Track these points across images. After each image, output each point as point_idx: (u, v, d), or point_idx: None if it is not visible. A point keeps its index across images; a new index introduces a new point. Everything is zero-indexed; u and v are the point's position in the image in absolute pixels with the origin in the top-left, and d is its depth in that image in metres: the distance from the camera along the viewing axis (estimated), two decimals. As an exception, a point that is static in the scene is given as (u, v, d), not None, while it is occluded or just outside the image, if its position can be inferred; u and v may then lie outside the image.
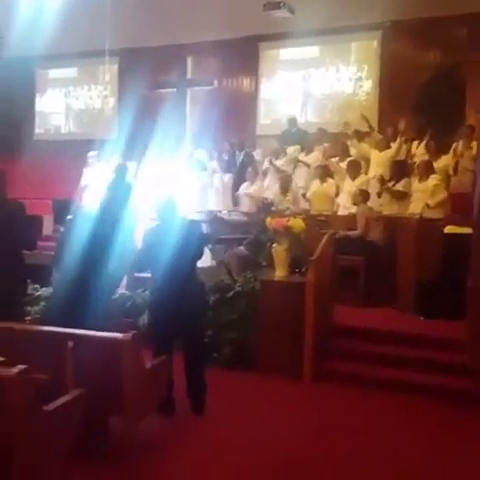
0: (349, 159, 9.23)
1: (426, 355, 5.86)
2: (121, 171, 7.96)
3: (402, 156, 9.25)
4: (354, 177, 8.77)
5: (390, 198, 8.52)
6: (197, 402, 4.91)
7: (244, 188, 9.85)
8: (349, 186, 8.72)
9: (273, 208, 8.76)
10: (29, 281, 6.76)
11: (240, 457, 4.22)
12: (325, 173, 9.13)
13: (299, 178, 9.71)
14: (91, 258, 4.54)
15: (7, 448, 3.00)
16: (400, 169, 8.65)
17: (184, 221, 5.09)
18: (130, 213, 7.10)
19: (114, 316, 4.97)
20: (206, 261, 6.75)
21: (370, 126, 10.24)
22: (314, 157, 9.91)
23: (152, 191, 8.34)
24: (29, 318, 6.44)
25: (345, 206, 8.61)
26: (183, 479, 3.96)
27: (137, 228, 5.89)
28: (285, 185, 9.26)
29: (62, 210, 9.89)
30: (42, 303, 6.84)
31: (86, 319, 4.26)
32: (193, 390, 4.92)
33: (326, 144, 9.94)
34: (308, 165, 9.77)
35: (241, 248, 7.59)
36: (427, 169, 8.23)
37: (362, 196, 8.08)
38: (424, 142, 9.09)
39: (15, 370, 3.03)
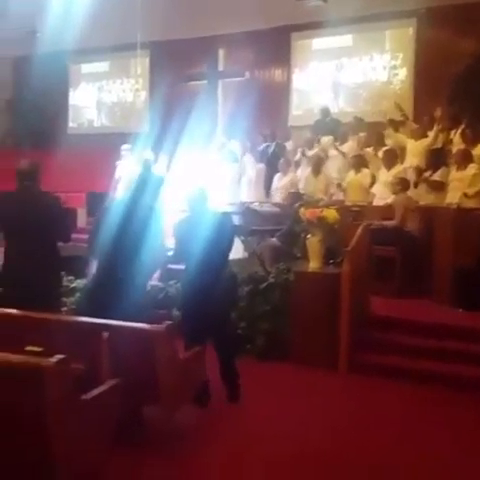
0: (385, 148, 9.08)
1: (464, 347, 5.75)
2: (147, 165, 7.99)
3: (439, 145, 9.07)
4: (390, 167, 8.62)
5: (427, 188, 8.37)
6: (233, 390, 4.94)
7: (277, 179, 9.78)
8: (385, 176, 8.58)
9: (304, 198, 8.71)
10: (64, 273, 6.84)
11: (273, 447, 4.21)
12: (360, 163, 8.99)
13: (333, 168, 9.60)
14: (124, 249, 4.54)
15: (46, 437, 3.03)
16: (437, 158, 8.48)
17: (216, 213, 5.08)
18: (161, 205, 7.16)
19: (147, 308, 4.96)
20: (238, 252, 6.74)
21: (404, 115, 10.07)
22: (349, 147, 9.78)
23: (184, 183, 8.35)
24: (65, 309, 6.53)
25: (380, 196, 8.48)
26: (218, 467, 3.96)
27: (167, 220, 5.91)
28: (317, 167, 9.20)
29: (96, 203, 9.99)
30: (77, 294, 6.90)
31: (119, 310, 4.28)
32: (227, 379, 4.96)
33: (362, 134, 9.79)
34: (343, 154, 9.65)
35: (273, 239, 7.55)
36: (465, 158, 8.05)
37: (402, 185, 7.92)
38: (459, 131, 8.89)
39: (54, 360, 3.05)
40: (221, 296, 4.87)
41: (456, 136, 9.01)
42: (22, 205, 4.91)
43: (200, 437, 4.37)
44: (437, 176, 8.31)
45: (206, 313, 4.74)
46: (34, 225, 4.83)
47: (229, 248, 5.03)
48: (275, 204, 9.02)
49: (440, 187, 8.27)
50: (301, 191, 9.14)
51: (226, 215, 5.37)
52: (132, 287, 4.57)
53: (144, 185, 7.32)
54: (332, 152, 9.87)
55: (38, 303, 4.42)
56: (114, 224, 4.63)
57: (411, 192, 8.36)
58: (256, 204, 8.75)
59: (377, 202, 8.52)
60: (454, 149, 8.58)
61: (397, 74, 11.63)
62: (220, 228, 4.91)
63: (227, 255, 5.04)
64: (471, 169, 7.96)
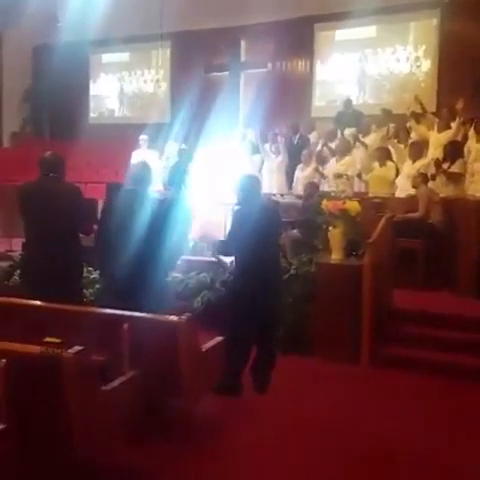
0: (411, 141, 8.96)
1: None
2: (184, 155, 7.99)
3: (460, 137, 8.92)
4: (415, 159, 8.50)
5: (445, 180, 8.26)
6: (263, 381, 4.91)
7: (299, 171, 9.71)
8: (409, 168, 8.46)
9: (321, 190, 8.66)
10: (84, 264, 6.83)
11: (295, 438, 4.20)
12: (385, 156, 8.87)
13: (356, 159, 9.49)
14: (148, 241, 4.51)
15: (68, 427, 3.01)
16: (455, 150, 8.35)
17: (268, 203, 5.07)
18: (187, 196, 7.17)
19: (170, 299, 4.95)
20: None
21: (423, 108, 9.89)
22: (372, 139, 9.66)
23: (206, 174, 8.32)
24: (85, 300, 6.52)
25: (403, 188, 8.38)
26: (239, 458, 3.94)
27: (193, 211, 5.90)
28: (344, 150, 9.21)
29: (115, 193, 9.99)
30: (97, 286, 6.89)
31: (143, 301, 4.27)
32: (261, 369, 4.92)
33: (392, 125, 9.63)
34: (366, 146, 9.54)
35: (295, 231, 7.49)
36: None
37: (421, 178, 7.86)
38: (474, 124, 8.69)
39: (73, 351, 3.04)
40: (277, 284, 4.96)
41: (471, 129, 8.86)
42: (44, 195, 4.89)
43: (223, 428, 4.36)
44: (455, 168, 8.20)
45: (261, 301, 4.74)
46: (56, 216, 4.81)
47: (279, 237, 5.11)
48: (297, 196, 8.95)
49: (458, 179, 8.16)
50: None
51: (275, 204, 5.37)
52: (156, 277, 4.56)
53: (175, 175, 7.34)
54: (356, 144, 9.76)
55: (59, 294, 4.41)
56: (135, 215, 4.59)
57: (429, 185, 8.26)
58: (278, 196, 8.69)
59: (399, 194, 8.43)
60: (473, 142, 8.41)
61: (420, 66, 11.46)
62: (272, 217, 4.97)
63: (278, 244, 5.11)
64: (495, 161, 7.84)
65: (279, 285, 5.07)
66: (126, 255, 4.53)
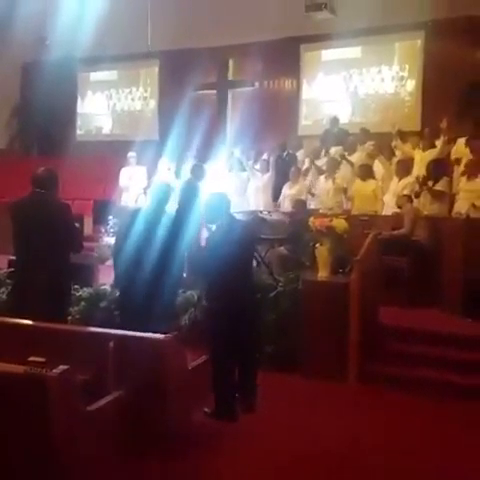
0: (398, 159, 9.05)
1: (475, 357, 5.69)
2: (198, 171, 8.00)
3: (445, 155, 9.02)
4: (401, 177, 8.58)
5: (430, 198, 8.33)
6: (251, 401, 4.88)
7: (286, 188, 9.74)
8: (395, 186, 8.54)
9: (309, 207, 8.70)
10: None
11: (282, 456, 4.19)
12: (367, 173, 8.95)
13: (342, 177, 9.55)
14: (156, 258, 4.52)
15: (51, 448, 2.97)
16: (438, 168, 8.44)
17: (242, 222, 5.07)
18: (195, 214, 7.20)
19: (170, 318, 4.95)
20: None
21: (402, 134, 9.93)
22: (357, 157, 9.75)
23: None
24: (70, 318, 6.48)
25: (390, 205, 8.44)
26: (226, 478, 3.92)
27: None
28: (333, 168, 9.31)
29: (101, 210, 9.99)
30: (83, 303, 6.86)
31: (151, 321, 4.25)
32: (247, 390, 4.89)
33: (369, 143, 9.74)
34: (352, 163, 9.62)
35: (282, 248, 7.50)
36: (476, 168, 8.00)
37: (406, 198, 7.95)
38: (472, 142, 8.79)
39: (57, 370, 3.01)
40: (252, 304, 4.92)
41: (461, 146, 8.95)
42: (34, 212, 4.86)
43: (209, 448, 4.32)
44: (439, 186, 8.28)
45: (239, 321, 4.70)
46: (45, 233, 4.78)
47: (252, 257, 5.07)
48: (284, 213, 8.98)
49: (442, 197, 8.24)
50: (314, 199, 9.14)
51: (249, 224, 5.36)
52: (164, 296, 4.56)
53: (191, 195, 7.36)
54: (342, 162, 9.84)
55: (46, 311, 4.38)
56: (147, 235, 4.60)
57: (414, 203, 8.34)
58: (265, 212, 8.71)
59: (387, 211, 8.48)
60: (465, 160, 8.50)
61: (405, 85, 11.59)
62: (246, 237, 4.94)
63: (252, 263, 5.10)
64: (482, 180, 7.91)
65: (254, 304, 5.01)
66: (142, 274, 4.55)
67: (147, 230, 4.64)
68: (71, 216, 5.05)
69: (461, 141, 9.08)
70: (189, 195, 7.41)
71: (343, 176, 9.46)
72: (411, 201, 8.01)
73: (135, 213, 4.93)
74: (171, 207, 5.34)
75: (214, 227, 5.02)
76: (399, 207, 7.98)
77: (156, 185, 5.38)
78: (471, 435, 4.70)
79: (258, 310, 5.12)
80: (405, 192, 8.31)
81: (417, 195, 8.54)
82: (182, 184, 8.11)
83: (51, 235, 4.79)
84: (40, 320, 4.18)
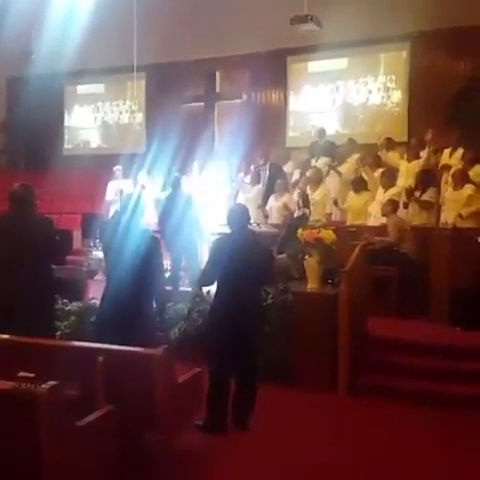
0: (383, 169, 9.10)
1: (464, 366, 5.73)
2: (176, 183, 8.01)
3: (431, 165, 9.09)
4: (387, 187, 8.64)
5: (418, 209, 8.40)
6: (243, 417, 4.83)
7: (273, 200, 9.77)
8: (381, 196, 8.59)
9: (296, 216, 8.72)
10: (57, 296, 6.76)
11: (272, 470, 4.16)
12: (362, 186, 9.00)
13: (331, 188, 9.59)
14: (140, 271, 4.48)
15: (40, 464, 2.95)
16: (426, 179, 8.51)
17: (256, 236, 5.00)
18: (192, 225, 7.19)
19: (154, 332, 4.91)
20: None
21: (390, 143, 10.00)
22: (345, 168, 9.80)
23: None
24: (59, 333, 6.44)
25: (376, 216, 8.49)
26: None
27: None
28: (317, 180, 9.30)
29: (90, 224, 9.97)
30: (72, 318, 6.82)
31: (136, 335, 4.23)
32: (242, 406, 4.84)
33: (356, 155, 9.80)
34: (340, 173, 9.67)
35: (283, 256, 7.46)
36: (462, 178, 8.07)
37: (391, 206, 7.99)
38: (461, 152, 8.86)
39: (47, 386, 2.99)
40: (253, 321, 4.80)
41: (452, 157, 9.02)
42: (12, 229, 4.84)
43: (200, 462, 4.31)
44: (426, 196, 8.35)
45: (237, 336, 4.65)
46: (24, 249, 4.76)
47: (264, 277, 4.94)
48: (273, 225, 9.00)
49: (429, 207, 8.31)
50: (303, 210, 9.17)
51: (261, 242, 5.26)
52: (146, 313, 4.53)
53: (173, 204, 7.36)
54: (329, 173, 9.88)
55: (30, 329, 4.34)
56: (121, 247, 4.56)
57: (402, 213, 8.41)
58: (254, 225, 8.73)
59: (373, 222, 8.53)
60: (452, 170, 8.58)
61: (391, 96, 11.68)
62: (257, 252, 4.81)
63: (262, 282, 5.00)
64: (467, 190, 7.99)
65: (258, 318, 4.95)
66: (116, 285, 4.52)
67: (121, 241, 4.59)
68: (52, 229, 5.02)
69: (447, 151, 9.17)
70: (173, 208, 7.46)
71: (329, 187, 9.49)
72: (396, 210, 8.06)
73: (110, 223, 4.92)
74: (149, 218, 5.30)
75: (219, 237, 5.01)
76: (384, 215, 8.03)
77: (127, 196, 5.31)
78: (461, 445, 4.71)
79: (259, 327, 5.01)
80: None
81: (405, 206, 8.60)
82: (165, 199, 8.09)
83: (32, 250, 4.77)
84: (26, 335, 4.15)
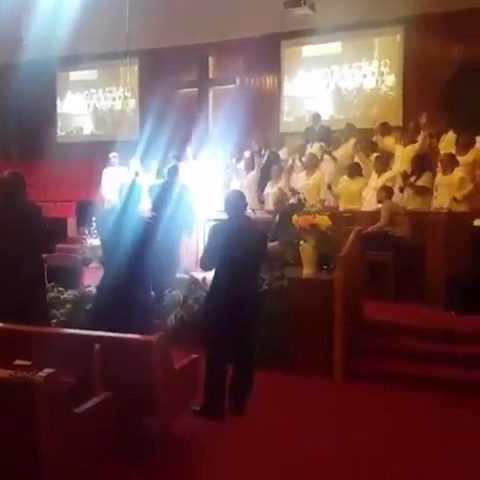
0: (376, 155, 9.08)
1: (459, 350, 5.75)
2: (173, 171, 7.99)
3: (426, 150, 9.08)
4: (381, 173, 8.63)
5: (413, 193, 8.40)
6: (241, 403, 4.85)
7: (269, 186, 9.74)
8: (374, 182, 8.59)
9: (291, 201, 8.70)
10: (52, 284, 6.77)
11: (269, 456, 4.18)
12: (357, 171, 8.97)
13: (326, 173, 9.56)
14: (137, 258, 4.49)
15: (38, 452, 2.96)
16: (421, 163, 8.50)
17: (252, 222, 5.01)
18: (187, 213, 7.19)
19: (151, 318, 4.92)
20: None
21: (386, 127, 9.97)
22: (340, 153, 9.77)
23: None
24: (55, 321, 6.44)
25: (370, 201, 8.49)
26: (218, 479, 3.91)
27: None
28: (312, 165, 9.31)
29: (85, 212, 9.96)
30: (68, 306, 6.82)
31: (130, 322, 4.23)
32: (239, 391, 4.85)
33: (353, 140, 9.76)
34: (335, 159, 9.64)
35: (276, 243, 7.46)
36: (451, 162, 8.07)
37: (386, 192, 8.00)
38: (454, 136, 8.85)
39: (44, 373, 2.99)
40: (251, 305, 4.81)
41: (444, 142, 9.01)
42: (2, 216, 4.83)
43: (198, 447, 4.32)
44: (421, 181, 8.35)
45: (234, 321, 4.65)
46: (15, 236, 4.75)
47: (261, 261, 4.94)
48: (268, 211, 8.99)
49: (425, 192, 8.31)
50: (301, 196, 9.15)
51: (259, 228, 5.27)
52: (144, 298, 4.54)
53: (169, 192, 7.37)
54: (323, 158, 9.85)
55: (22, 317, 4.34)
56: (118, 235, 4.57)
57: (398, 198, 8.41)
58: (249, 211, 8.72)
59: (367, 207, 8.53)
60: (441, 155, 8.58)
61: (385, 81, 11.64)
62: (256, 237, 4.85)
63: (259, 265, 4.99)
64: (458, 173, 7.98)
65: (255, 304, 4.94)
66: (114, 273, 4.53)
67: (118, 230, 4.60)
68: (41, 217, 5.00)
69: (444, 136, 9.15)
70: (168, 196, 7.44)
71: (325, 172, 9.47)
72: (391, 196, 8.06)
73: (108, 213, 4.92)
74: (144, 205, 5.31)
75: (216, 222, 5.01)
76: (379, 202, 8.03)
77: (126, 184, 5.31)
78: (458, 429, 4.74)
79: (256, 314, 4.98)
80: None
81: (401, 190, 8.60)
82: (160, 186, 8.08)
83: (21, 237, 4.76)
84: (18, 322, 4.15)
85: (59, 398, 3.11)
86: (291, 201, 8.54)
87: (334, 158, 9.68)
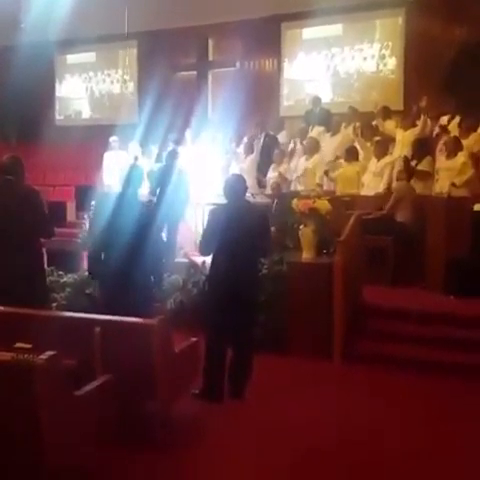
0: (376, 139, 9.02)
1: (458, 334, 5.78)
2: (172, 156, 7.97)
3: (427, 134, 9.03)
4: (380, 157, 8.59)
5: (414, 178, 8.36)
6: (240, 387, 4.86)
7: (271, 170, 9.70)
8: (374, 166, 8.55)
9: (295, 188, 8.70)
10: (52, 268, 6.78)
11: (270, 439, 4.19)
12: (353, 155, 8.93)
13: (325, 156, 9.51)
14: (137, 243, 4.49)
15: (39, 434, 2.97)
16: (422, 147, 8.46)
17: (251, 205, 4.99)
18: (184, 198, 7.19)
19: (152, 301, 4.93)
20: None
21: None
22: (340, 137, 9.70)
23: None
24: (55, 305, 6.46)
25: (370, 186, 8.46)
26: (215, 461, 3.93)
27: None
28: (312, 148, 9.24)
29: (84, 196, 9.93)
30: (68, 289, 6.84)
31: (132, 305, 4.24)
32: (238, 375, 4.86)
33: (358, 123, 9.68)
34: (336, 142, 9.57)
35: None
36: (456, 146, 8.02)
37: (407, 173, 7.93)
38: (457, 120, 8.79)
39: (44, 356, 3.00)
40: (249, 290, 4.80)
41: (450, 125, 8.95)
42: (1, 199, 4.82)
43: (198, 431, 4.34)
44: (422, 166, 8.31)
45: (233, 305, 4.66)
46: (13, 220, 4.74)
47: (263, 246, 4.89)
48: (268, 195, 8.97)
49: (427, 177, 8.27)
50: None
51: (262, 210, 5.25)
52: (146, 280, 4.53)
53: (168, 177, 7.35)
54: (323, 142, 9.80)
55: (23, 300, 4.34)
56: (120, 218, 4.57)
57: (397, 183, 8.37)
58: (248, 195, 8.70)
59: (367, 192, 8.50)
60: (444, 138, 8.52)
61: (387, 64, 11.54)
62: (255, 220, 4.80)
63: (259, 251, 4.96)
64: (460, 158, 7.93)
65: (254, 287, 4.95)
66: (116, 257, 4.54)
67: (120, 213, 4.60)
68: (40, 202, 4.99)
69: (444, 118, 9.09)
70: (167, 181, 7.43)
71: (323, 156, 9.42)
72: (409, 177, 8.00)
73: (109, 196, 4.92)
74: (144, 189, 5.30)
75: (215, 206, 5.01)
76: (398, 179, 7.97)
77: (127, 168, 5.30)
78: (456, 411, 4.77)
79: (255, 297, 5.01)
80: (387, 171, 8.35)
81: (398, 178, 8.56)
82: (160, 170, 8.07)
83: (20, 221, 4.75)
84: (18, 306, 4.16)
85: (60, 381, 3.12)
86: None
87: (334, 142, 9.60)
